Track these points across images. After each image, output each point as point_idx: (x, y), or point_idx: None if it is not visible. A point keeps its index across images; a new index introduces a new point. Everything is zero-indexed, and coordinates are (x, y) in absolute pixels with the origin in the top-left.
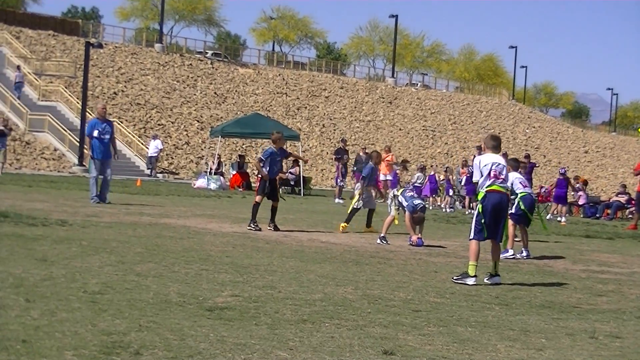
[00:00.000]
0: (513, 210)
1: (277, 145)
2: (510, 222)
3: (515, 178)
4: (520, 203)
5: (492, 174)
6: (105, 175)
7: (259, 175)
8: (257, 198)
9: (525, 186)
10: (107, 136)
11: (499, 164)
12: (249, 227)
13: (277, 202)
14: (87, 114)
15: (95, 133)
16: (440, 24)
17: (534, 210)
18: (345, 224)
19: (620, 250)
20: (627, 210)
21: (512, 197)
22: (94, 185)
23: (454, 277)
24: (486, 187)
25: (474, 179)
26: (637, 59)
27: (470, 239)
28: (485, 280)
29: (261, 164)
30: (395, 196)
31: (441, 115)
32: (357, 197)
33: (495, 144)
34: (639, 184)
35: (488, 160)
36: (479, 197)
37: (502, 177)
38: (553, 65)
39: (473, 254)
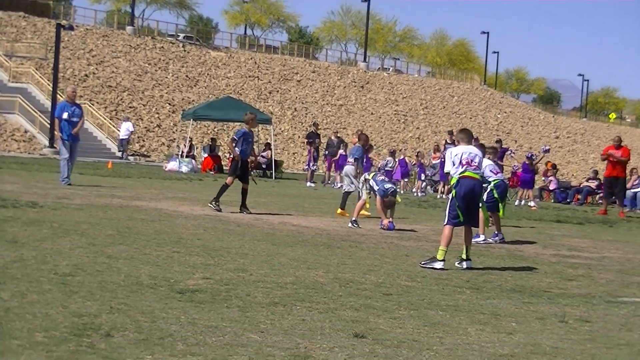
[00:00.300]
0: (485, 198)
1: (249, 126)
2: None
3: (485, 166)
4: (494, 191)
5: (463, 162)
6: (70, 159)
7: (231, 157)
8: (228, 180)
9: (496, 173)
10: (76, 119)
11: (471, 152)
12: (209, 204)
13: (247, 185)
14: (58, 96)
15: (65, 115)
16: (413, 9)
17: (505, 197)
18: (341, 209)
19: (591, 235)
20: (598, 196)
21: (484, 184)
22: (64, 167)
23: (422, 262)
24: (459, 174)
25: (445, 170)
26: (608, 46)
27: (445, 224)
28: (457, 265)
29: (234, 144)
30: (366, 180)
31: (413, 100)
32: (355, 181)
33: (463, 136)
34: (606, 169)
35: (459, 150)
36: (452, 183)
37: (475, 164)
38: (525, 51)
39: (445, 239)
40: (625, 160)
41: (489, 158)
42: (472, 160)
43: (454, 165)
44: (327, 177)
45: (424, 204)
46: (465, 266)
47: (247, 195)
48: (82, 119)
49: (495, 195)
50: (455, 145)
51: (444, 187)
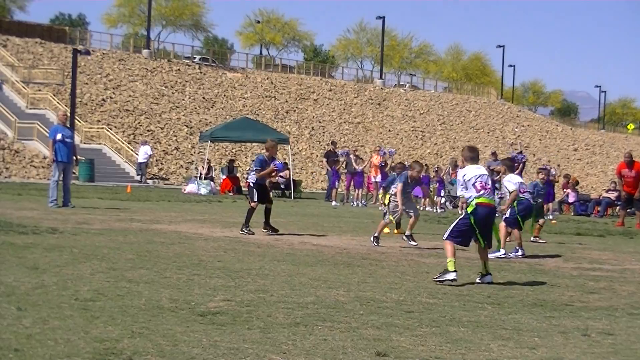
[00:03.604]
0: (507, 215)
1: (270, 153)
2: (502, 224)
3: (515, 183)
4: (516, 207)
5: (478, 187)
6: (65, 180)
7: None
8: (253, 204)
9: (523, 192)
10: (70, 140)
11: (483, 175)
12: (241, 232)
13: (270, 204)
14: (76, 121)
15: (59, 136)
16: (427, 25)
17: (529, 216)
18: (396, 229)
19: (612, 248)
20: (617, 207)
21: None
22: (54, 189)
23: (434, 277)
24: (476, 200)
25: (459, 193)
26: (625, 56)
27: (445, 239)
28: (477, 280)
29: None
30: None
31: (430, 115)
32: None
33: (473, 155)
34: (624, 184)
35: (472, 173)
36: (469, 210)
37: (489, 187)
38: (541, 64)
39: (449, 251)
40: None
41: (516, 173)
42: (486, 184)
43: (466, 189)
44: (346, 195)
45: (444, 220)
46: (486, 281)
47: (270, 214)
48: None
49: (517, 213)
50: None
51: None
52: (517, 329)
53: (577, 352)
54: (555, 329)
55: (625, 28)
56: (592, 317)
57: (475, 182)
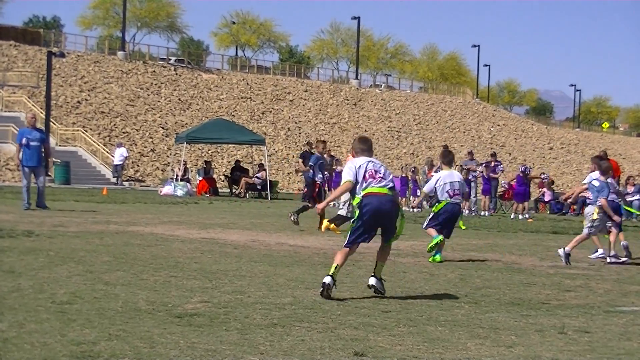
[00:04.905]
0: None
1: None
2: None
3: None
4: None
5: (451, 193)
6: (37, 183)
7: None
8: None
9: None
10: (36, 143)
11: (453, 182)
12: (291, 218)
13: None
14: (52, 123)
15: (24, 141)
16: (402, 25)
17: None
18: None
19: (588, 246)
20: None
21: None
22: (25, 193)
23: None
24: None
25: (425, 190)
26: (599, 55)
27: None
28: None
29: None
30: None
31: (406, 115)
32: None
33: (450, 158)
34: None
35: (446, 179)
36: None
37: (457, 192)
38: (516, 63)
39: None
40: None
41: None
42: (455, 190)
43: (435, 190)
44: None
45: (420, 220)
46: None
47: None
48: (46, 143)
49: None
50: (441, 166)
51: None
52: (494, 327)
53: (553, 350)
54: (532, 327)
55: (600, 27)
56: (569, 315)
57: (447, 189)
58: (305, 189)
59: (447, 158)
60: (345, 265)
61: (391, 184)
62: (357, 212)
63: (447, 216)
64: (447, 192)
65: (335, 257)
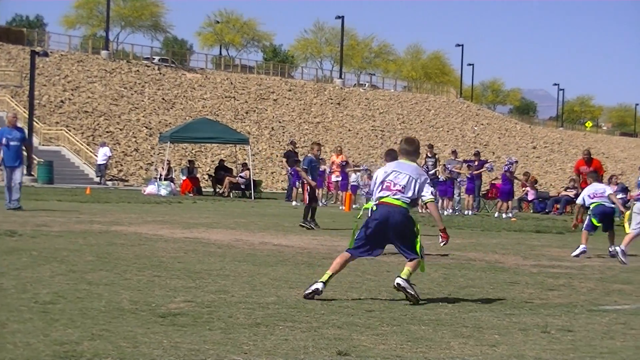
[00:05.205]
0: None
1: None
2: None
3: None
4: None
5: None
6: (14, 181)
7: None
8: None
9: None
10: (15, 143)
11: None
12: (303, 225)
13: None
14: (35, 123)
15: (4, 141)
16: (386, 24)
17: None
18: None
19: (571, 245)
20: (576, 205)
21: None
22: (6, 192)
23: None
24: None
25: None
26: (583, 54)
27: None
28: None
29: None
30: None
31: (390, 115)
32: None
33: (393, 156)
34: (582, 181)
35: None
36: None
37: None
38: (500, 62)
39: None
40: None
41: (469, 167)
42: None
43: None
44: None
45: None
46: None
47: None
48: (26, 142)
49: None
50: (433, 159)
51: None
52: (478, 326)
53: (537, 349)
54: (516, 326)
55: (583, 26)
56: (552, 314)
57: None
58: (304, 190)
59: (391, 156)
60: (329, 264)
61: (408, 199)
62: (364, 220)
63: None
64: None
65: (333, 263)
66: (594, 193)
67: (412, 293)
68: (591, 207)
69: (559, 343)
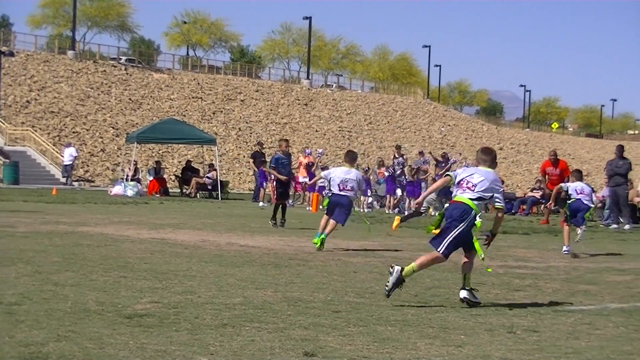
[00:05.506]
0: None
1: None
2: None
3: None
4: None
5: (340, 186)
6: None
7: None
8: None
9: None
10: None
11: (350, 179)
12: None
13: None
14: (0, 123)
15: None
16: (354, 25)
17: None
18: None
19: (537, 245)
20: (542, 206)
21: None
22: None
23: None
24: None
25: (322, 174)
26: (549, 56)
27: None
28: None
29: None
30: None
31: (357, 115)
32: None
33: (351, 157)
34: (548, 182)
35: (342, 175)
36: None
37: (347, 187)
38: (466, 64)
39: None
40: (563, 175)
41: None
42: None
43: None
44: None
45: (371, 220)
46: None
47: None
48: None
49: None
50: (401, 159)
51: (389, 201)
52: (444, 327)
53: (503, 349)
54: (482, 326)
55: (549, 28)
56: (518, 314)
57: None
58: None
59: (349, 157)
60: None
61: (476, 195)
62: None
63: (332, 205)
64: (338, 185)
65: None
66: (581, 190)
67: (475, 301)
68: (570, 202)
69: (525, 343)
